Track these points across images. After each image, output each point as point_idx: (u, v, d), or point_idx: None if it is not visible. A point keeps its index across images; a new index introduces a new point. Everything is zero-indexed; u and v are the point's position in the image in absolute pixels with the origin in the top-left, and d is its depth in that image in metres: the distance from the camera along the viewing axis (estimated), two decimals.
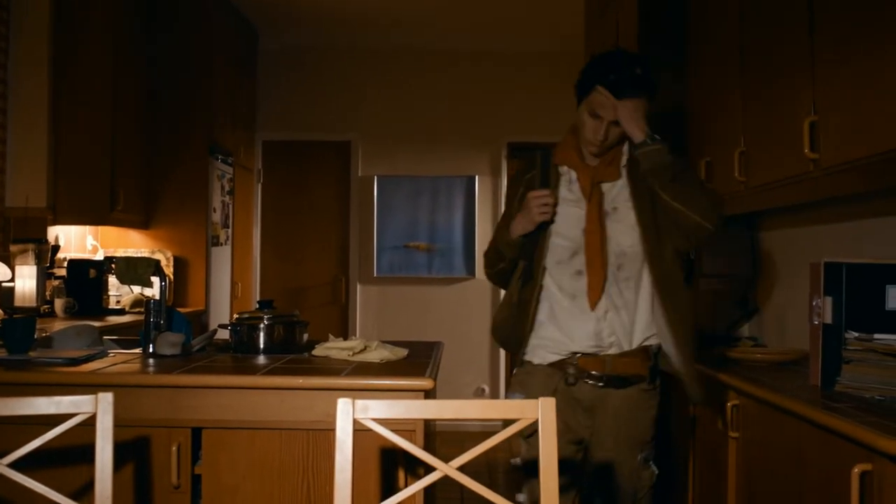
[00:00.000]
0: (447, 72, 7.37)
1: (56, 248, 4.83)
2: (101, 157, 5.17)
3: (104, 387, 2.32)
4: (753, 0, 3.03)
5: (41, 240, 4.49)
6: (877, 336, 2.30)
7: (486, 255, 2.77)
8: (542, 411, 1.82)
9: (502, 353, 7.28)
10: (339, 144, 7.45)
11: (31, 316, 3.57)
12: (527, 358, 2.62)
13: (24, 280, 4.34)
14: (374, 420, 1.83)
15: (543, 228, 2.55)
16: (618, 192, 2.57)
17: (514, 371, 2.69)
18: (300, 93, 7.36)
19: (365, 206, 7.44)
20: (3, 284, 4.18)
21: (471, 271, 7.27)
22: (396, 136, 7.36)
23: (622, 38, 4.43)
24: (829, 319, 2.43)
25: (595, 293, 2.50)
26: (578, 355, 2.54)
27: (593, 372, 2.53)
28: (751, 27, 3.06)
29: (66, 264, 5.00)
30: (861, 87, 2.26)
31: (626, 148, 2.59)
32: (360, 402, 1.84)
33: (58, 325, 3.74)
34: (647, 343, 2.57)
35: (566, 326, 2.54)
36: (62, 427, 1.95)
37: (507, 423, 1.86)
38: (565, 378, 2.55)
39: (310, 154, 7.47)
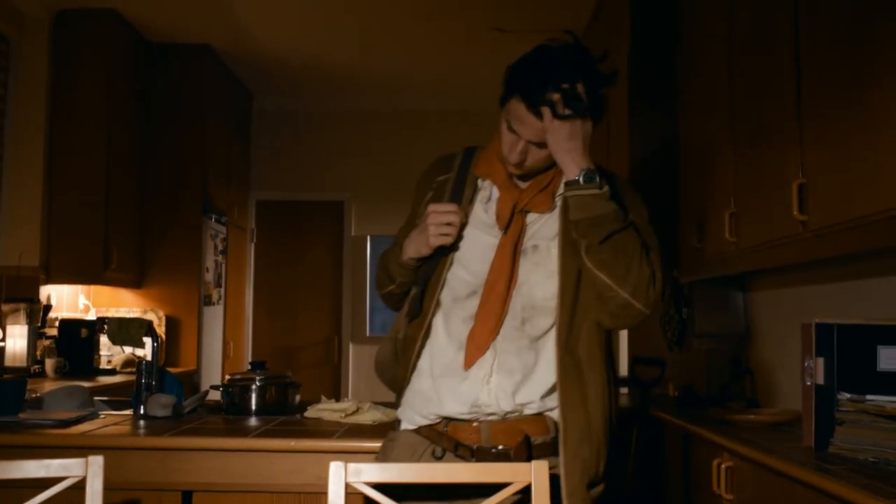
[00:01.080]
0: (438, 131, 7.44)
1: (48, 307, 4.82)
2: (94, 217, 5.19)
3: (94, 449, 2.30)
4: (742, 65, 3.09)
5: (33, 299, 4.49)
6: (869, 397, 2.30)
7: (376, 270, 2.19)
8: (535, 475, 1.79)
9: None
10: (332, 204, 7.49)
11: (21, 377, 3.55)
12: (399, 416, 2.06)
13: (15, 340, 4.33)
14: (367, 484, 1.82)
15: (444, 253, 1.97)
16: (543, 228, 1.98)
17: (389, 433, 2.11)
18: (294, 153, 7.41)
19: (358, 266, 7.45)
20: None
21: None
22: (389, 195, 7.41)
23: (612, 101, 4.49)
24: (821, 380, 2.43)
25: (476, 350, 1.91)
26: (448, 422, 1.95)
27: (465, 443, 1.93)
28: (740, 91, 3.11)
29: (57, 324, 4.99)
30: (848, 150, 2.30)
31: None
32: (352, 466, 1.83)
33: (48, 386, 3.72)
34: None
35: (441, 384, 1.95)
36: (51, 491, 1.93)
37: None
38: (433, 450, 1.97)
39: (303, 213, 7.50)
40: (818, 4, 2.47)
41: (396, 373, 2.06)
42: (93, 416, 2.91)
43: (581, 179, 1.84)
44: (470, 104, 7.32)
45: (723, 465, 2.71)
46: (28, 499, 1.92)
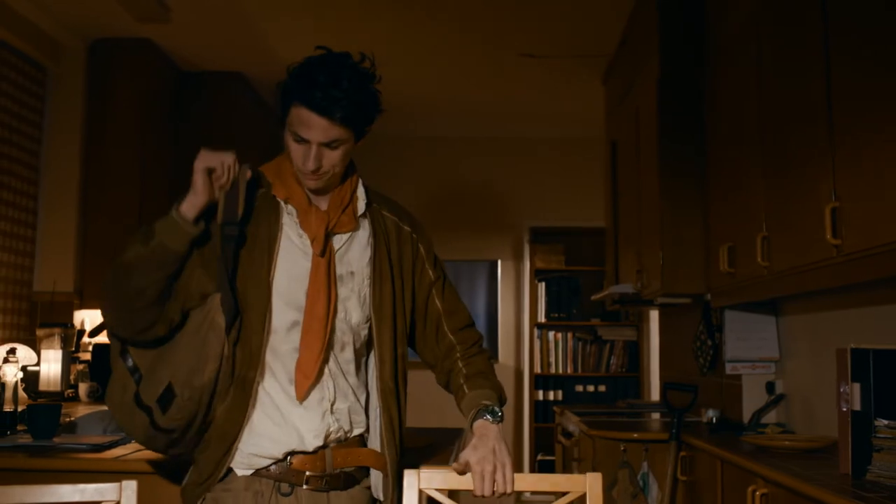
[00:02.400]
0: (469, 158, 7.47)
1: (82, 332, 4.87)
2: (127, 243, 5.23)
3: (128, 473, 2.32)
4: (771, 87, 3.07)
5: (67, 324, 4.54)
6: None
7: (109, 281, 1.90)
8: (589, 485, 1.94)
9: (526, 435, 7.19)
10: None
11: (56, 403, 3.59)
12: (232, 465, 1.88)
13: (50, 364, 4.37)
14: (437, 490, 1.97)
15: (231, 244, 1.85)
16: (353, 252, 1.98)
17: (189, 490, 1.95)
18: None
19: None
20: (29, 368, 4.21)
21: (493, 355, 7.24)
22: (419, 221, 7.42)
23: (642, 124, 4.50)
24: (857, 406, 2.40)
25: (305, 379, 1.86)
26: (292, 455, 1.89)
27: (309, 473, 1.89)
28: (770, 114, 3.10)
29: (90, 348, 5.03)
30: (882, 174, 2.28)
31: (361, 190, 2.04)
32: (424, 473, 1.97)
33: (82, 410, 3.75)
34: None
35: (290, 418, 1.88)
36: None
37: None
38: (278, 487, 1.88)
39: None
40: (849, 27, 2.46)
41: (191, 415, 1.84)
42: (126, 440, 2.92)
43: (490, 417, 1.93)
44: (498, 131, 7.36)
45: (758, 493, 2.67)
46: None
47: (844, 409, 2.45)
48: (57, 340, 4.42)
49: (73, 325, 4.66)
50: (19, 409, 3.30)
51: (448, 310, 2.12)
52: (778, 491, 2.55)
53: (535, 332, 7.26)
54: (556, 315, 7.27)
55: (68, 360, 4.50)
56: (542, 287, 7.27)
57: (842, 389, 2.47)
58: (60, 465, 2.56)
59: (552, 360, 7.23)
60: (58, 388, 4.39)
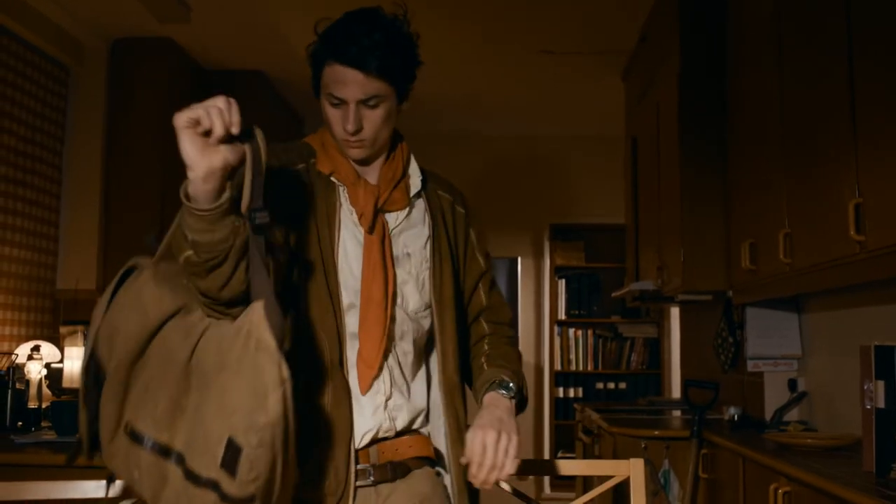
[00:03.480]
0: (489, 155, 7.46)
1: None
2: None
3: None
4: (793, 83, 3.05)
5: (90, 322, 4.57)
6: None
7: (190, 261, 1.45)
8: (632, 470, 2.02)
9: (547, 432, 7.19)
10: None
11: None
12: None
13: (73, 361, 4.40)
14: None
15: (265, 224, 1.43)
16: (410, 233, 1.81)
17: None
18: None
19: None
20: (53, 366, 4.24)
21: None
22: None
23: (663, 120, 4.48)
24: (881, 404, 2.38)
25: (369, 368, 1.68)
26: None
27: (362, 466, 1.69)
28: (792, 109, 3.08)
29: None
30: None
31: (414, 166, 1.89)
32: None
33: None
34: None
35: (339, 415, 1.65)
36: None
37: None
38: None
39: None
40: (872, 22, 2.44)
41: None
42: None
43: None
44: (517, 128, 7.34)
45: (780, 491, 2.66)
46: None
47: (868, 407, 2.44)
48: (80, 338, 4.46)
49: None
50: (43, 405, 3.33)
51: (491, 306, 1.94)
52: (801, 489, 2.54)
53: (556, 329, 7.25)
54: (577, 312, 7.26)
55: None
56: (562, 284, 7.26)
57: (865, 387, 2.45)
58: (83, 461, 2.58)
59: (572, 357, 7.22)
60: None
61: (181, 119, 1.40)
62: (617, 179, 6.28)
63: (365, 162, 1.79)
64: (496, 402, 1.73)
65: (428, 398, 1.81)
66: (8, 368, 3.30)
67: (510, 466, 1.60)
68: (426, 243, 1.81)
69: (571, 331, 7.24)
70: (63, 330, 4.51)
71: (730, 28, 3.88)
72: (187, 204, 1.40)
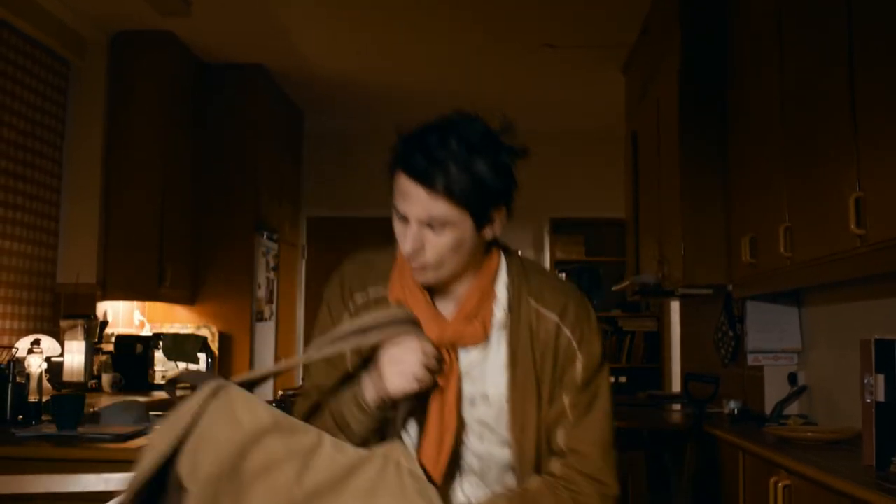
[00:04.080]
0: None
1: (104, 323, 4.91)
2: (150, 235, 5.28)
3: None
4: (794, 77, 3.05)
5: (90, 315, 4.58)
6: None
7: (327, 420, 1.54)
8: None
9: None
10: (382, 221, 7.48)
11: (79, 393, 3.62)
12: None
13: (73, 355, 4.41)
14: None
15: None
16: (488, 367, 1.55)
17: None
18: (344, 171, 7.47)
19: None
20: (53, 359, 4.25)
21: None
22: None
23: (663, 115, 4.47)
24: (881, 397, 2.38)
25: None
26: None
27: None
28: (793, 104, 3.07)
29: (113, 340, 5.08)
30: None
31: (502, 290, 1.57)
32: None
33: (105, 401, 3.78)
34: None
35: None
36: None
37: None
38: None
39: (353, 230, 7.55)
40: (873, 17, 2.44)
41: None
42: (148, 430, 2.95)
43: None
44: (519, 121, 7.32)
45: (780, 484, 2.66)
46: None
47: (868, 401, 2.44)
48: (80, 332, 4.46)
49: (95, 317, 4.70)
50: (44, 399, 3.34)
51: (574, 449, 1.56)
52: (801, 482, 2.54)
53: None
54: None
55: (91, 351, 4.54)
56: (562, 278, 7.26)
57: (865, 381, 2.45)
58: (85, 454, 2.59)
59: None
60: (81, 378, 4.43)
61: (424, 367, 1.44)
62: (617, 173, 6.28)
63: (440, 289, 1.57)
64: None
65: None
66: (8, 362, 3.30)
67: None
68: (507, 382, 1.54)
69: None
70: (63, 324, 4.52)
71: (731, 24, 3.87)
72: (364, 403, 1.47)
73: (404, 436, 1.54)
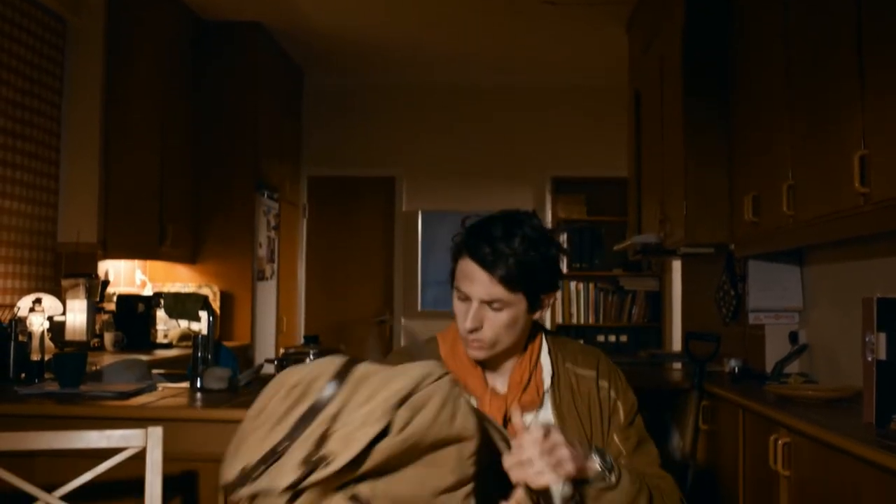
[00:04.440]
0: (491, 107, 7.41)
1: (106, 282, 4.90)
2: (149, 193, 5.26)
3: (153, 420, 2.35)
4: (800, 35, 3.01)
5: (91, 275, 4.57)
6: None
7: None
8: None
9: None
10: (383, 180, 7.51)
11: (81, 351, 3.63)
12: None
13: (75, 314, 4.42)
14: None
15: None
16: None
17: None
18: (345, 129, 7.44)
19: (409, 241, 7.48)
20: (55, 318, 4.25)
21: None
22: (441, 171, 7.40)
23: (666, 73, 4.43)
24: (883, 356, 2.38)
25: None
26: None
27: None
28: (798, 62, 3.04)
29: (115, 299, 5.08)
30: None
31: (546, 360, 1.81)
32: None
33: (107, 359, 3.79)
34: None
35: None
36: (113, 460, 1.97)
37: None
38: None
39: (354, 189, 7.53)
40: None
41: None
42: (151, 388, 2.96)
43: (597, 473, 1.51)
44: (520, 79, 7.28)
45: (780, 441, 2.67)
46: (90, 468, 1.96)
47: (869, 359, 2.44)
48: (82, 291, 4.46)
49: (97, 276, 4.69)
50: (46, 357, 3.34)
51: (629, 453, 1.77)
52: (800, 440, 2.55)
53: None
54: (578, 265, 7.26)
55: (93, 310, 4.54)
56: (563, 237, 7.24)
57: (867, 339, 2.45)
58: (87, 412, 2.60)
59: (574, 310, 7.24)
60: (83, 337, 4.44)
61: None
62: (620, 132, 6.24)
63: (489, 364, 1.78)
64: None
65: None
66: (10, 321, 3.30)
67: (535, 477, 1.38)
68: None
69: (573, 284, 7.25)
70: (65, 283, 4.51)
71: None
72: None
73: None
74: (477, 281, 1.67)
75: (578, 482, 1.50)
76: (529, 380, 1.76)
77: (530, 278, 1.68)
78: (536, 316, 1.76)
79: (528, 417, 1.73)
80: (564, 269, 1.72)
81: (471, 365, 1.77)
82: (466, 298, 1.69)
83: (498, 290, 1.66)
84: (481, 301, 1.67)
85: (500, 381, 1.79)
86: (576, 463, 1.43)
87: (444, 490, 1.26)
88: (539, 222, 1.74)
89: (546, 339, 1.84)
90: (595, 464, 1.51)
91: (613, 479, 1.54)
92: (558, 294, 1.78)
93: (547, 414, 1.76)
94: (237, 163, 5.98)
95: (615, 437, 1.78)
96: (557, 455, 1.41)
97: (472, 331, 1.69)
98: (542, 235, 1.72)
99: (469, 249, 1.68)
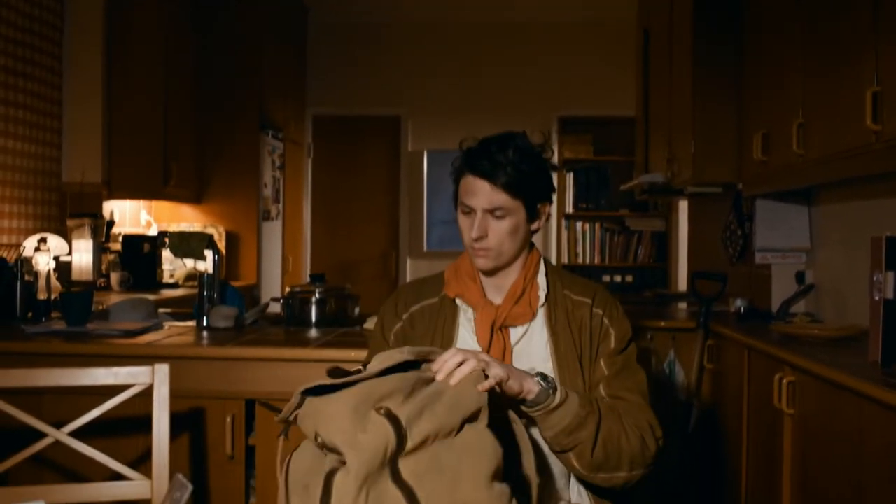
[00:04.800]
0: (498, 45, 7.32)
1: (111, 223, 4.90)
2: (154, 133, 5.23)
3: (160, 358, 2.36)
4: None
5: (96, 215, 4.56)
6: None
7: None
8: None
9: None
10: (388, 119, 7.45)
11: (88, 290, 3.64)
12: None
13: (81, 254, 4.42)
14: None
15: None
16: (533, 348, 1.87)
17: None
18: (350, 67, 7.36)
19: (415, 181, 7.45)
20: (61, 258, 4.25)
21: None
22: (446, 110, 7.33)
23: (676, 11, 4.36)
24: (890, 295, 2.37)
25: None
26: None
27: None
28: None
29: (120, 239, 5.08)
30: None
31: (541, 278, 1.92)
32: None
33: (114, 299, 3.81)
34: None
35: None
36: (120, 397, 1.98)
37: None
38: None
39: (360, 129, 7.48)
40: None
41: None
42: (157, 327, 2.97)
43: (541, 394, 1.63)
44: (528, 16, 7.17)
45: (784, 380, 2.68)
46: (97, 405, 1.97)
47: (877, 298, 2.43)
48: (87, 231, 4.46)
49: (102, 216, 4.69)
50: (53, 297, 3.35)
51: (611, 376, 1.85)
52: (805, 378, 2.56)
53: (563, 222, 7.23)
54: (584, 205, 7.23)
55: (99, 250, 4.55)
56: (570, 177, 7.21)
57: (875, 278, 2.44)
58: (94, 350, 2.61)
59: (579, 250, 7.23)
60: (90, 277, 4.45)
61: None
62: (627, 71, 6.16)
63: (492, 275, 1.91)
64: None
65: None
66: (16, 260, 3.31)
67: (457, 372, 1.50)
68: (550, 355, 1.85)
69: (579, 224, 7.23)
70: (70, 223, 4.51)
71: None
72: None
73: None
74: (479, 192, 1.81)
75: (522, 402, 1.63)
76: (523, 294, 1.88)
77: (528, 184, 1.82)
78: (534, 227, 1.89)
79: (520, 329, 1.86)
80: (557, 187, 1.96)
81: (471, 279, 1.91)
82: (470, 211, 1.83)
83: (500, 197, 1.80)
84: (484, 210, 1.81)
85: (497, 295, 1.91)
86: (511, 376, 1.58)
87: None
88: (529, 140, 1.89)
89: (545, 263, 1.96)
90: (536, 385, 1.63)
91: (558, 399, 1.64)
92: (552, 210, 2.08)
93: (540, 329, 1.87)
94: (241, 102, 5.93)
95: (601, 362, 1.87)
96: (485, 358, 1.55)
97: (477, 239, 1.83)
98: (534, 149, 1.87)
99: (469, 166, 1.83)
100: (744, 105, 3.77)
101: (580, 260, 7.21)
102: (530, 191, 1.83)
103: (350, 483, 1.31)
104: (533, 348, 1.86)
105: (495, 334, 1.83)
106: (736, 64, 3.86)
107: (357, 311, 3.12)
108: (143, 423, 2.23)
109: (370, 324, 2.92)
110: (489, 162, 1.80)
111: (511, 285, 1.90)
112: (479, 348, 1.80)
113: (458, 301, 1.91)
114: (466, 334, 1.88)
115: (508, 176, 1.79)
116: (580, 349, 1.86)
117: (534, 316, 1.87)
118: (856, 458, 2.20)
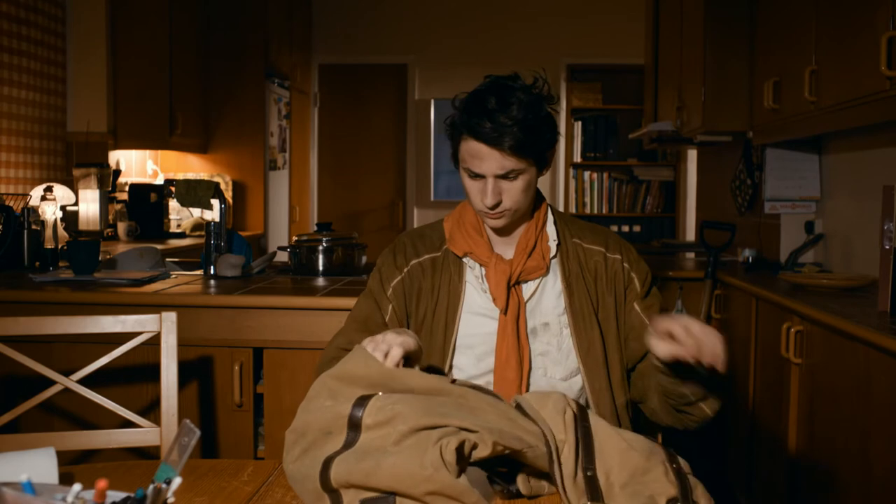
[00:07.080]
0: None
1: (117, 172, 4.89)
2: (159, 82, 5.19)
3: (167, 307, 2.36)
4: None
5: (103, 164, 4.55)
6: None
7: None
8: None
9: None
10: (395, 67, 7.38)
11: (95, 239, 3.64)
12: None
13: (88, 204, 4.41)
14: None
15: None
16: (546, 300, 1.78)
17: None
18: (356, 15, 7.27)
19: (422, 130, 7.40)
20: (68, 208, 4.25)
21: None
22: (453, 58, 7.25)
23: None
24: None
25: None
26: None
27: None
28: None
29: (127, 189, 5.07)
30: None
31: (551, 228, 1.84)
32: None
33: (121, 248, 3.81)
34: None
35: None
36: (128, 345, 1.99)
37: None
38: None
39: (366, 77, 7.41)
40: None
41: None
42: (164, 276, 2.97)
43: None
44: None
45: (792, 330, 2.68)
46: (105, 353, 1.98)
47: (887, 247, 2.41)
48: (93, 180, 4.45)
49: (108, 165, 4.67)
50: (60, 247, 3.35)
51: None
52: (813, 328, 2.55)
53: (571, 171, 7.19)
54: (592, 155, 7.18)
55: (106, 199, 4.54)
56: (578, 126, 7.16)
57: (885, 227, 2.42)
58: (101, 298, 2.62)
59: (587, 199, 7.20)
60: (97, 227, 4.45)
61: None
62: (637, 18, 6.08)
63: (503, 232, 1.81)
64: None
65: None
66: (23, 209, 3.30)
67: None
68: (564, 309, 1.76)
69: (587, 173, 7.19)
70: (76, 172, 4.50)
71: None
72: None
73: (479, 377, 1.72)
74: (487, 158, 1.66)
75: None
76: (535, 246, 1.78)
77: (536, 140, 1.68)
78: (544, 174, 1.77)
79: (533, 284, 1.77)
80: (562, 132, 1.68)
81: (476, 234, 1.80)
82: (479, 176, 1.69)
83: (510, 161, 1.66)
84: (496, 176, 1.68)
85: (506, 249, 1.81)
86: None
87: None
88: (524, 82, 1.75)
89: (551, 210, 1.87)
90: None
91: None
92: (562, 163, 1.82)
93: (555, 282, 1.78)
94: (247, 51, 5.87)
95: (636, 307, 1.80)
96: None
97: (493, 205, 1.69)
98: (534, 97, 1.72)
99: (470, 129, 1.66)
100: (755, 52, 3.72)
101: (588, 209, 7.19)
102: (539, 144, 1.69)
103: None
104: (545, 304, 1.77)
105: (511, 291, 1.74)
106: (748, 10, 3.80)
107: (364, 260, 3.11)
108: (151, 372, 2.24)
109: None
110: (493, 126, 1.64)
111: (520, 237, 1.80)
112: (489, 307, 1.74)
113: (466, 260, 1.80)
114: (475, 292, 1.77)
115: (515, 138, 1.64)
116: (596, 301, 1.78)
117: (547, 269, 1.77)
118: (863, 407, 2.20)
